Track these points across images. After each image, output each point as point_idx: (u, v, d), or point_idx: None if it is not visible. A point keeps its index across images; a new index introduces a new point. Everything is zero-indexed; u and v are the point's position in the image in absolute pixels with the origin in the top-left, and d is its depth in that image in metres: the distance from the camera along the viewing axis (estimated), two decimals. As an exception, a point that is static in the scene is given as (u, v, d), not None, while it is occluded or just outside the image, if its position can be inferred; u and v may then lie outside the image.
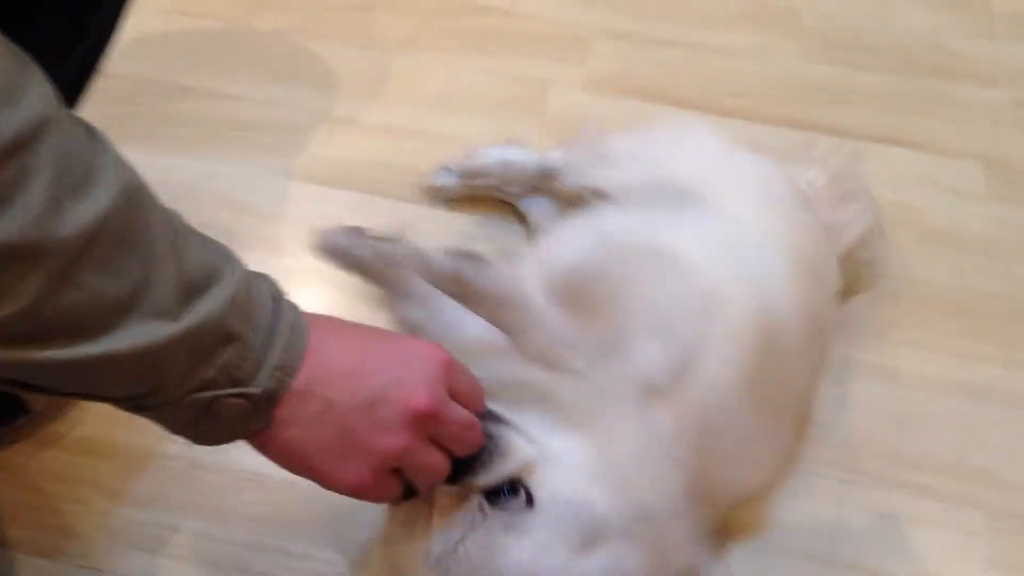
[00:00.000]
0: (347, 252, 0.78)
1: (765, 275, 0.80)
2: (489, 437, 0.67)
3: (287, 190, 1.15)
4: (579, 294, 0.75)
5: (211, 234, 0.59)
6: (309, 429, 0.60)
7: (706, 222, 0.83)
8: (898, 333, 1.05)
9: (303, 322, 0.61)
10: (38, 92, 0.47)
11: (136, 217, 0.52)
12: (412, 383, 0.62)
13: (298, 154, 1.18)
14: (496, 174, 1.08)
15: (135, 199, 0.52)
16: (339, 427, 0.61)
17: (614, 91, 1.25)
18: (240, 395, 0.57)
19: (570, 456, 0.70)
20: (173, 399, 0.56)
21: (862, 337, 1.05)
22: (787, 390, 0.83)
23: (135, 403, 0.56)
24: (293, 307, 0.62)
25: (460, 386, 0.66)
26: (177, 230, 0.56)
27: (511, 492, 0.67)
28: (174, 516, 0.92)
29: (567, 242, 0.77)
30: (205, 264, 0.56)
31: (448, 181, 1.12)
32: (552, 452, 0.69)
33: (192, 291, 0.54)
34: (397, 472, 0.64)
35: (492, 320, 0.74)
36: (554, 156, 1.03)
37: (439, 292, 0.73)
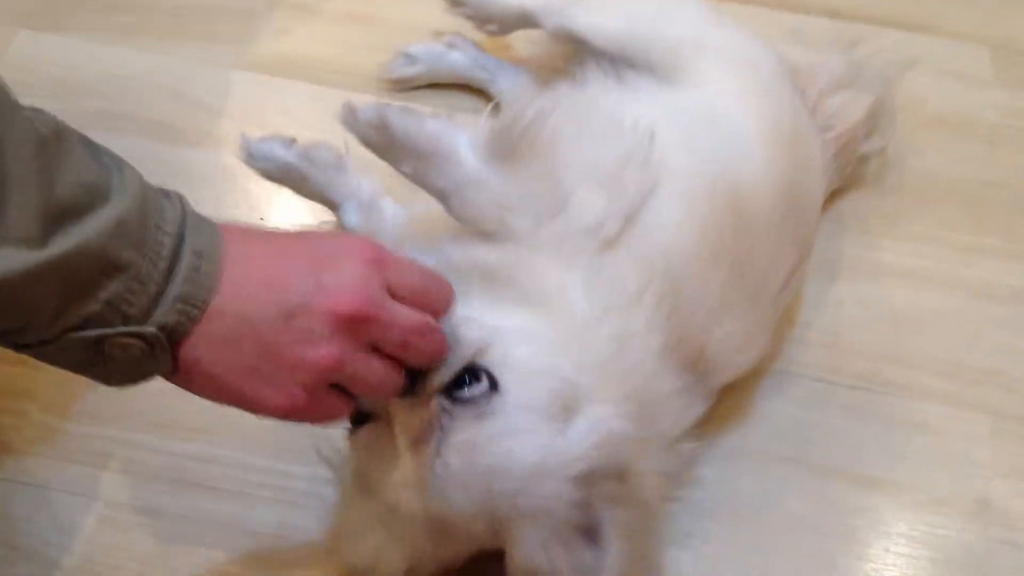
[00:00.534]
0: (281, 161, 0.85)
1: (729, 143, 0.79)
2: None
3: (235, 81, 1.09)
4: (519, 151, 0.71)
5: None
6: (225, 352, 0.56)
7: (674, 88, 0.83)
8: (896, 228, 1.02)
9: (217, 243, 0.56)
10: None
11: None
12: (336, 285, 0.57)
13: (249, 43, 1.13)
14: (475, 4, 1.03)
15: None
16: (258, 344, 0.56)
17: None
18: (133, 334, 0.53)
19: (525, 329, 0.67)
20: (51, 336, 0.52)
21: (856, 232, 1.01)
22: (763, 263, 0.80)
23: (10, 340, 0.53)
24: (204, 227, 0.57)
25: (404, 283, 0.61)
26: (47, 145, 0.51)
27: (473, 380, 0.63)
28: (117, 428, 0.87)
29: (521, 102, 0.72)
30: (86, 184, 0.51)
31: (410, 71, 1.09)
32: (505, 329, 0.66)
33: (63, 215, 0.50)
34: (340, 389, 0.59)
35: (419, 178, 0.71)
36: None
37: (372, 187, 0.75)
